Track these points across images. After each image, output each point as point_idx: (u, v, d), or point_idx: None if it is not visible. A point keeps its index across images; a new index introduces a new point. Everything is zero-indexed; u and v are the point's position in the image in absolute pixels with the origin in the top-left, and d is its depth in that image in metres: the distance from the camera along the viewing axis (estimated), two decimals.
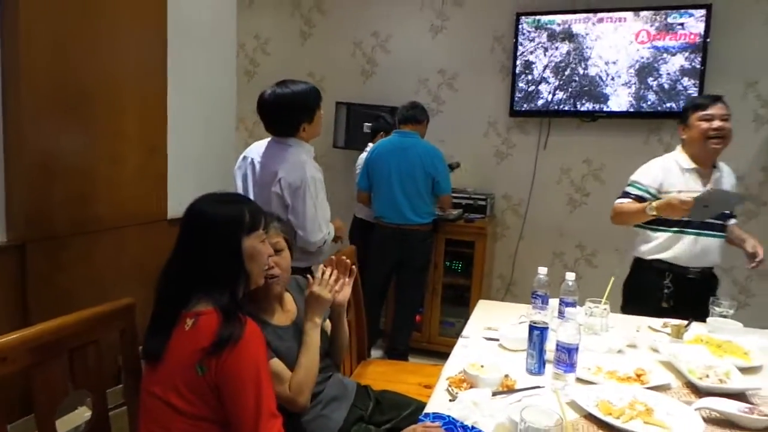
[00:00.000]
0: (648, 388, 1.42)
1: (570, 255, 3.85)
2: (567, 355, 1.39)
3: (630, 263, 2.43)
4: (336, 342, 1.67)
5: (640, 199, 2.25)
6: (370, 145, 3.57)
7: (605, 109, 3.53)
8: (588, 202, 3.76)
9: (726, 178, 2.29)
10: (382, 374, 2.25)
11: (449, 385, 1.42)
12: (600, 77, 3.52)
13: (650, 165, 2.31)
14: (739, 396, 1.39)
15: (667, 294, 2.25)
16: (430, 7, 3.94)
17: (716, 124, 2.15)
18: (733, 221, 2.33)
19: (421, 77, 4.01)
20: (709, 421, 1.26)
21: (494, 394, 1.33)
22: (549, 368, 1.49)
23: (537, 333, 1.50)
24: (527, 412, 1.08)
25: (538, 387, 1.41)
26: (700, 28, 3.29)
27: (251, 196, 2.11)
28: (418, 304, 3.43)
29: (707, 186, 2.20)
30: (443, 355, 3.44)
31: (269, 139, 2.19)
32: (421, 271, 3.26)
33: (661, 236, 2.27)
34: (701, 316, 2.02)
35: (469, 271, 3.56)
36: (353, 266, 1.65)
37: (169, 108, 2.38)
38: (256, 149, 2.20)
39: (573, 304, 1.82)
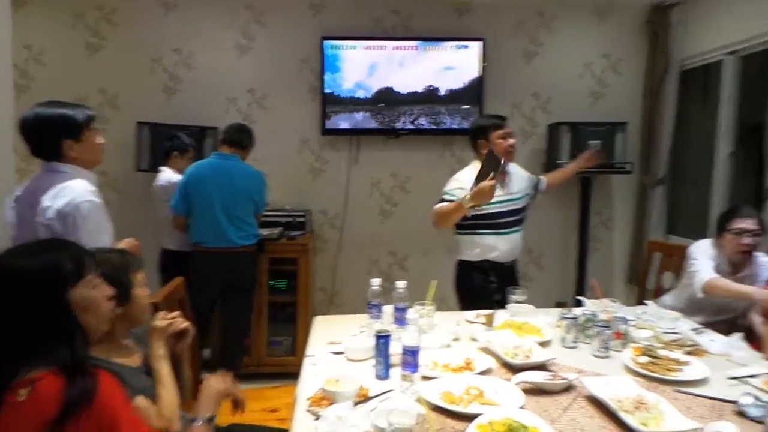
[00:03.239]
0: (476, 373, 1.65)
1: (384, 261, 4.15)
2: (412, 357, 1.54)
3: (455, 267, 2.74)
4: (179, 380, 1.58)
5: None
6: (163, 168, 3.35)
7: (406, 127, 3.91)
8: (396, 212, 4.11)
9: (518, 175, 2.76)
10: (223, 406, 2.16)
11: (310, 405, 1.46)
12: (394, 99, 3.88)
13: (455, 177, 2.65)
14: (542, 366, 1.71)
15: (494, 288, 2.59)
16: (235, 25, 3.89)
17: (510, 141, 2.63)
18: (543, 179, 2.97)
19: (229, 96, 3.92)
20: (526, 391, 1.53)
21: (354, 404, 1.42)
22: (393, 371, 1.63)
23: (382, 341, 1.63)
24: (393, 415, 1.19)
25: (390, 390, 1.53)
26: (477, 58, 3.87)
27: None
28: (247, 327, 3.35)
29: (503, 190, 2.62)
30: (275, 376, 3.50)
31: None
32: (248, 293, 3.20)
33: (488, 239, 2.61)
34: None
35: (293, 287, 3.60)
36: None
37: None
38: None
39: (405, 309, 2.00)
